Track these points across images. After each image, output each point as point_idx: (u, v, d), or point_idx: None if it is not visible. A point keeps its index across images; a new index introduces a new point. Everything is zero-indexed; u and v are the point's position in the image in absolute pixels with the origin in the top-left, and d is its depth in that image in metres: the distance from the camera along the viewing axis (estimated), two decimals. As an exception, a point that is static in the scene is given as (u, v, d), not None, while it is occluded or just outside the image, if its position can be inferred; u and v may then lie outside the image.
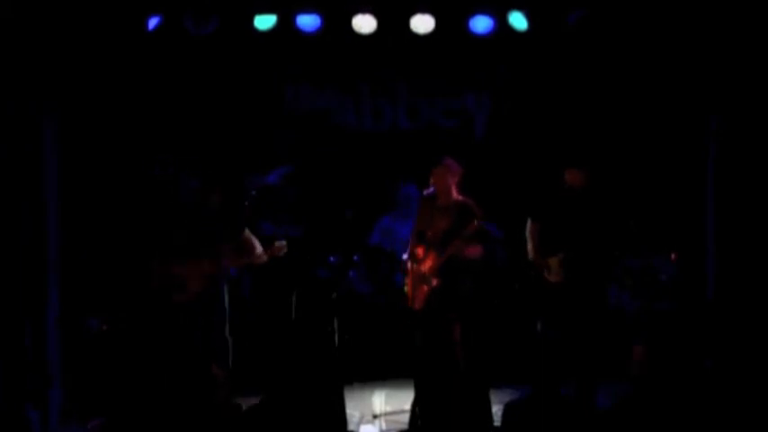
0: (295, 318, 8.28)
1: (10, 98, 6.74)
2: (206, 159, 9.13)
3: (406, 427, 7.05)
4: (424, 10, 8.42)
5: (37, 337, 6.91)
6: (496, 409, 6.99)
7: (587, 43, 8.85)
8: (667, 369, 7.90)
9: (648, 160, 9.03)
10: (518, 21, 8.50)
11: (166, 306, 7.26)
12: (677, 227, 8.69)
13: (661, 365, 7.96)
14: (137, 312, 7.87)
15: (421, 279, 6.99)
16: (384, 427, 7.34)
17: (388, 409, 7.65)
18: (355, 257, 8.84)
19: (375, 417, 7.47)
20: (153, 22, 8.27)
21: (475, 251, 6.90)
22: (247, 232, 7.29)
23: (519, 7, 8.45)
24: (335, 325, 8.26)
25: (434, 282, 6.90)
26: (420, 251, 7.05)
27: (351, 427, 7.13)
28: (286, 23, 8.50)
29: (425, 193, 7.06)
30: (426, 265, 6.99)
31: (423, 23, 8.46)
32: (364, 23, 8.44)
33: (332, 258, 8.76)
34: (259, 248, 7.27)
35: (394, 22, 8.48)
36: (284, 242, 7.36)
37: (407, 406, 7.07)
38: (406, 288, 7.14)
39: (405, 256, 7.27)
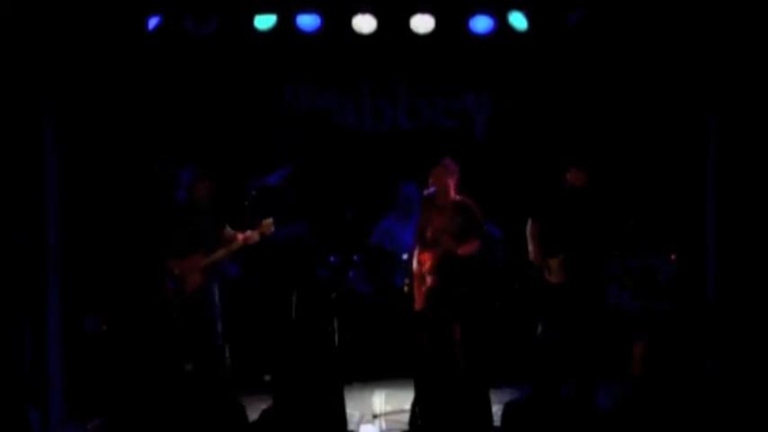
0: (295, 318, 8.27)
1: (10, 98, 6.73)
2: (206, 159, 9.14)
3: (406, 427, 7.05)
4: (424, 10, 8.43)
5: (37, 337, 6.91)
6: (496, 409, 6.99)
7: (587, 43, 8.86)
8: (667, 369, 7.90)
9: (649, 160, 9.03)
10: (518, 21, 8.50)
11: (166, 305, 7.27)
12: (677, 227, 8.68)
13: (661, 365, 7.95)
14: (137, 312, 7.87)
15: (421, 279, 7.00)
16: (384, 427, 7.34)
17: (388, 409, 7.65)
18: (355, 257, 8.84)
19: (375, 417, 7.47)
20: (153, 22, 8.27)
21: (469, 249, 6.89)
22: (228, 230, 7.34)
23: (519, 7, 8.45)
24: (335, 325, 8.26)
25: (429, 280, 6.89)
26: (421, 253, 7.05)
27: (351, 427, 7.13)
28: (286, 23, 8.50)
29: (425, 193, 7.06)
30: (426, 265, 7.00)
31: (423, 23, 8.46)
32: (364, 23, 8.44)
33: (332, 258, 8.76)
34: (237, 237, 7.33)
35: (394, 22, 8.48)
36: (271, 219, 7.38)
37: (407, 406, 7.07)
38: (406, 288, 7.14)
39: (405, 257, 7.27)
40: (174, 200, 7.42)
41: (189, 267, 7.22)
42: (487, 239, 7.47)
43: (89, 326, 7.80)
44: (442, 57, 9.38)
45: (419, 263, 7.03)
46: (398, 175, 9.19)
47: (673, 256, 8.51)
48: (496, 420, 6.95)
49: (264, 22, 8.45)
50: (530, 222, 7.35)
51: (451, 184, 7.02)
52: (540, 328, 7.22)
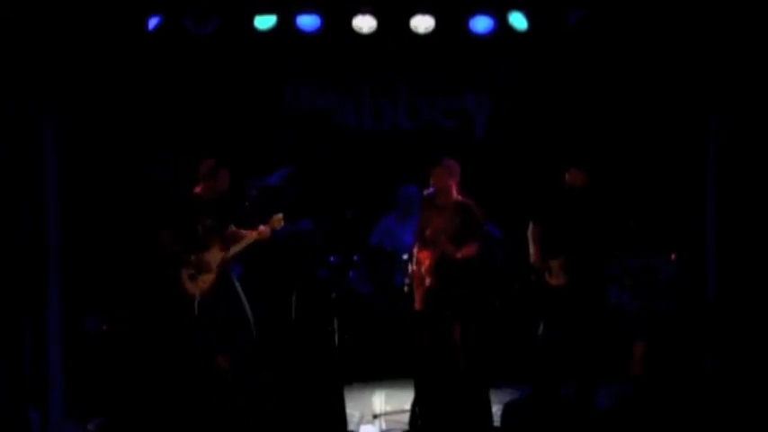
0: (295, 318, 8.27)
1: (10, 98, 6.73)
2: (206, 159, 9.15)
3: (406, 427, 7.05)
4: (424, 10, 8.42)
5: (37, 337, 6.90)
6: (496, 409, 6.99)
7: (587, 43, 8.86)
8: (667, 369, 7.90)
9: (649, 160, 9.03)
10: (518, 21, 8.50)
11: (170, 305, 7.27)
12: (677, 227, 8.68)
13: (661, 365, 7.95)
14: (137, 312, 7.87)
15: (420, 279, 6.99)
16: (384, 427, 7.34)
17: (388, 409, 7.64)
18: (355, 257, 8.84)
19: (375, 417, 7.47)
20: (153, 22, 8.27)
21: (468, 252, 6.86)
22: (232, 227, 7.35)
23: (519, 7, 8.45)
24: (335, 325, 8.26)
25: (428, 281, 6.88)
26: (420, 252, 7.05)
27: (351, 427, 7.13)
28: (286, 23, 8.50)
29: (425, 193, 7.05)
30: (425, 265, 6.99)
31: (423, 23, 8.46)
32: (364, 23, 8.44)
33: (332, 258, 8.76)
34: (251, 232, 7.38)
35: (394, 22, 8.48)
36: (281, 215, 7.43)
37: (407, 406, 7.07)
38: (406, 288, 7.14)
39: (405, 257, 7.27)
40: (188, 194, 7.42)
41: (207, 261, 7.25)
42: (487, 240, 7.46)
43: (89, 326, 7.80)
44: (442, 57, 9.38)
45: (418, 262, 7.02)
46: (398, 175, 9.19)
47: (673, 256, 8.51)
48: (496, 420, 6.95)
49: (264, 22, 8.45)
50: (531, 225, 7.35)
51: (453, 184, 6.99)
52: (540, 329, 7.22)
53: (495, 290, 8.55)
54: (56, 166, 7.18)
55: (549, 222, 7.26)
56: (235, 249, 7.39)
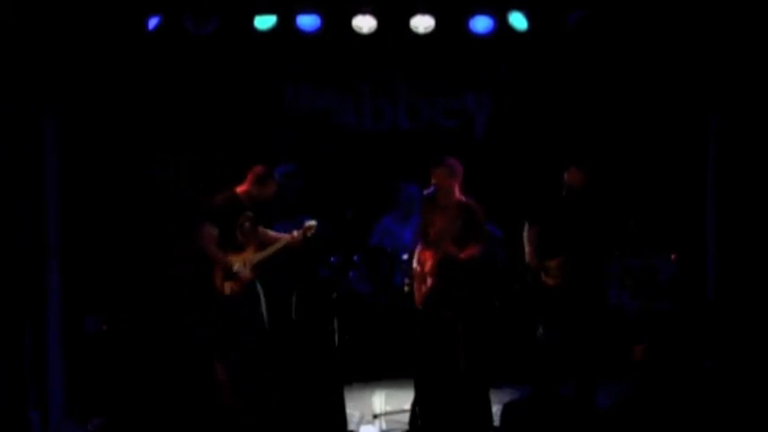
0: (295, 318, 8.27)
1: (10, 98, 6.73)
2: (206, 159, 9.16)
3: (406, 427, 7.05)
4: (424, 10, 8.42)
5: (37, 337, 6.90)
6: (496, 409, 6.99)
7: (587, 43, 8.85)
8: (667, 369, 7.90)
9: (648, 160, 9.04)
10: (518, 21, 8.49)
11: (169, 305, 7.27)
12: (677, 227, 8.69)
13: (661, 365, 7.96)
14: (137, 312, 7.87)
15: (421, 278, 6.98)
16: (384, 427, 7.34)
17: (388, 409, 7.65)
18: (355, 257, 8.84)
19: (375, 417, 7.48)
20: (153, 22, 8.26)
21: (471, 253, 6.85)
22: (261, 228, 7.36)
23: (519, 7, 8.44)
24: (335, 325, 8.26)
25: (429, 281, 6.88)
26: (422, 252, 7.04)
27: (351, 427, 7.13)
28: (286, 23, 8.49)
29: (426, 193, 7.02)
30: (426, 266, 6.98)
31: (423, 23, 8.46)
32: (364, 23, 8.43)
33: (332, 258, 8.75)
34: (285, 236, 7.36)
35: (394, 22, 8.47)
36: (314, 222, 7.40)
37: (407, 406, 7.07)
38: (406, 288, 7.14)
39: (405, 257, 7.26)
40: (233, 195, 7.33)
41: (242, 262, 7.19)
42: (488, 240, 7.45)
43: (89, 326, 7.80)
44: (442, 57, 9.38)
45: (419, 262, 7.00)
46: (398, 175, 9.19)
47: (673, 256, 8.52)
48: (496, 420, 6.95)
49: (264, 22, 8.45)
50: (526, 226, 7.33)
51: (455, 184, 6.94)
52: (540, 330, 7.21)
53: (496, 290, 8.55)
54: (56, 166, 7.19)
55: (547, 223, 7.25)
56: (269, 252, 7.30)
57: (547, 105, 9.45)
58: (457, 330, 6.78)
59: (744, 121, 7.73)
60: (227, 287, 7.06)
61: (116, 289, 8.13)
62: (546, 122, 9.41)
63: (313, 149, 9.52)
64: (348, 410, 7.13)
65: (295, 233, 7.38)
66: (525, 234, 7.33)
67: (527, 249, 7.29)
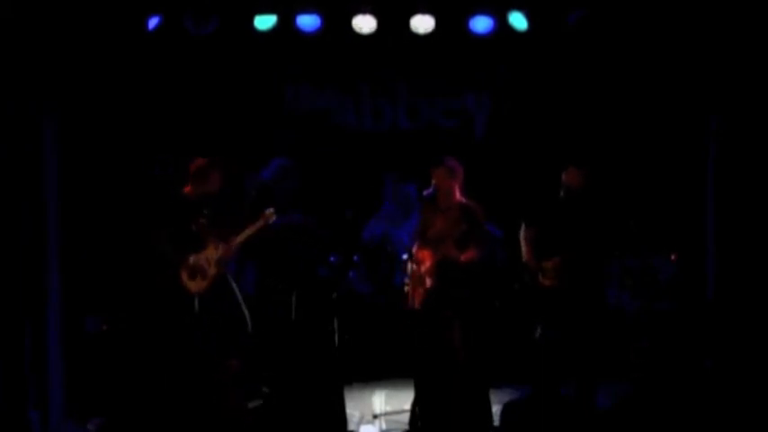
0: (295, 318, 8.27)
1: (10, 98, 6.73)
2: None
3: (406, 427, 7.05)
4: (424, 10, 8.42)
5: (37, 337, 6.90)
6: (496, 409, 6.99)
7: (587, 43, 8.85)
8: (667, 369, 7.90)
9: (648, 160, 9.04)
10: (518, 21, 8.49)
11: (170, 305, 7.27)
12: (677, 227, 8.69)
13: (661, 365, 7.96)
14: (137, 312, 7.87)
15: (419, 280, 6.97)
16: (384, 427, 7.34)
17: (388, 409, 7.65)
18: (355, 257, 8.84)
19: (375, 417, 7.48)
20: (153, 22, 8.26)
21: (472, 255, 6.84)
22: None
23: (519, 7, 8.45)
24: (335, 325, 8.26)
25: (428, 282, 6.87)
26: (420, 252, 7.04)
27: (351, 427, 7.13)
28: (286, 23, 8.49)
29: (425, 193, 7.01)
30: (425, 266, 6.98)
31: (423, 23, 8.46)
32: (364, 23, 8.44)
33: (332, 258, 8.76)
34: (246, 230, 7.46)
35: (394, 22, 8.47)
36: (272, 209, 7.45)
37: (407, 406, 7.07)
38: (406, 288, 7.13)
39: (405, 257, 7.25)
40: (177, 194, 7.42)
41: (204, 260, 7.27)
42: (488, 242, 7.45)
43: (89, 326, 7.80)
44: (442, 57, 9.38)
45: (417, 262, 6.99)
46: (398, 176, 9.19)
47: (673, 256, 8.52)
48: (496, 420, 6.95)
49: (264, 22, 8.45)
50: (523, 227, 7.32)
51: (456, 185, 6.92)
52: (538, 330, 7.21)
53: (495, 290, 8.55)
54: (56, 166, 7.19)
55: (545, 223, 7.24)
56: (232, 245, 7.39)
57: (546, 105, 9.46)
58: (457, 330, 6.77)
59: (744, 121, 7.72)
60: (193, 286, 7.14)
61: (116, 289, 8.13)
62: (546, 123, 9.42)
63: (313, 149, 9.52)
64: (348, 410, 7.13)
65: (254, 225, 7.44)
66: (522, 234, 7.31)
67: (524, 249, 7.29)
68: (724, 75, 7.82)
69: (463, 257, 6.76)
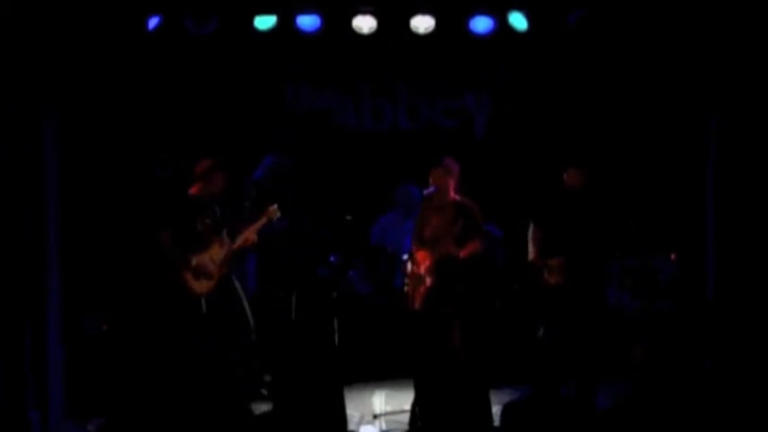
0: (295, 318, 8.27)
1: (10, 98, 6.73)
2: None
3: (406, 427, 7.05)
4: (424, 10, 8.42)
5: (37, 337, 6.90)
6: (496, 410, 6.99)
7: (587, 43, 8.85)
8: (667, 369, 7.90)
9: (648, 160, 9.04)
10: (518, 21, 8.49)
11: (170, 305, 7.27)
12: (677, 227, 8.68)
13: (661, 365, 7.95)
14: (138, 312, 7.87)
15: (419, 279, 6.99)
16: (384, 427, 7.34)
17: (388, 409, 7.64)
18: (355, 258, 8.83)
19: (375, 417, 7.47)
20: (153, 22, 8.26)
21: (471, 250, 6.86)
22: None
23: (519, 7, 8.44)
24: (335, 325, 8.26)
25: (428, 281, 6.88)
26: (418, 252, 7.05)
27: (351, 427, 7.13)
28: (286, 23, 8.49)
29: (426, 192, 7.05)
30: (423, 265, 6.99)
31: (423, 23, 8.46)
32: (364, 23, 8.43)
33: (332, 258, 8.76)
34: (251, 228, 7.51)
35: (394, 22, 8.47)
36: (276, 205, 7.46)
37: (407, 406, 7.07)
38: (406, 288, 7.14)
39: (405, 257, 7.26)
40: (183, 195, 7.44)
41: (209, 260, 7.28)
42: (487, 239, 7.46)
43: (89, 326, 7.80)
44: (442, 57, 9.38)
45: (416, 262, 7.01)
46: (398, 175, 9.19)
47: (673, 256, 8.51)
48: (496, 420, 6.95)
49: (264, 22, 8.45)
50: (532, 227, 7.34)
51: (451, 183, 7.00)
52: (540, 330, 7.21)
53: (495, 290, 8.55)
54: (56, 166, 7.18)
55: (548, 223, 7.25)
56: (236, 244, 7.41)
57: (546, 106, 9.46)
58: (457, 330, 6.77)
59: (744, 121, 7.72)
60: (198, 287, 7.15)
61: (116, 289, 8.13)
62: (546, 123, 9.42)
63: (313, 149, 9.52)
64: (348, 410, 7.13)
65: (258, 222, 7.47)
66: (530, 234, 7.34)
67: (531, 249, 7.30)
68: (724, 75, 7.81)
69: (463, 253, 6.80)
